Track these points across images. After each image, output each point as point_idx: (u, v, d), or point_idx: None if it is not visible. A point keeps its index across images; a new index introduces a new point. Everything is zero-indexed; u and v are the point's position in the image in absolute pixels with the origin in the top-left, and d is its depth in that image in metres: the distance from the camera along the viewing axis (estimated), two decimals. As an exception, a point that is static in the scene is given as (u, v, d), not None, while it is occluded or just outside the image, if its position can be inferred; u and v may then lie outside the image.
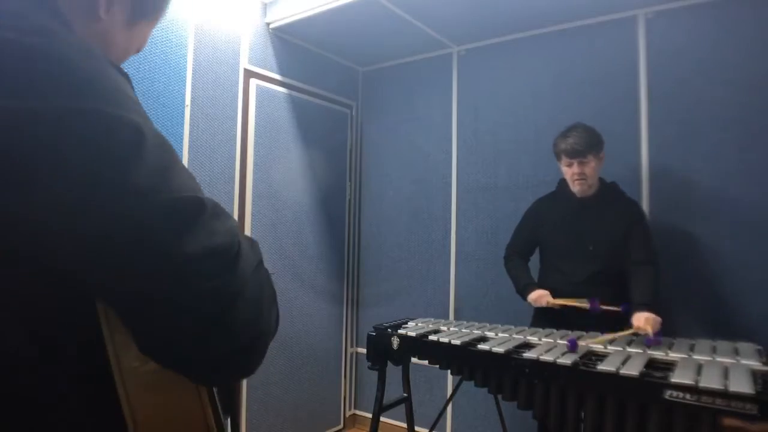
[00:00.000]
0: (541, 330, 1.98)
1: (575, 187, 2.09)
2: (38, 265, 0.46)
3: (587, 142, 2.02)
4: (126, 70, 0.58)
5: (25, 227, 0.44)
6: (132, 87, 0.56)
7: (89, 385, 0.50)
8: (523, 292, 2.17)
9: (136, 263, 0.45)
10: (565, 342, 1.70)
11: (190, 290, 0.46)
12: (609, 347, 1.67)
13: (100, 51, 0.53)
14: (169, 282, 0.46)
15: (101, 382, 0.49)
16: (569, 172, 2.08)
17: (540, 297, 2.09)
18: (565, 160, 2.08)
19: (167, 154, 0.50)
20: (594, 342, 1.72)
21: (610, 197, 2.14)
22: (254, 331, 0.51)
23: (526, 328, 2.08)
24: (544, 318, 2.16)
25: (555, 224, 2.18)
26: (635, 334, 1.79)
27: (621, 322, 1.90)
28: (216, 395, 0.57)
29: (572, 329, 1.96)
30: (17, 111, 0.43)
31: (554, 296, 2.07)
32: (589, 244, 2.09)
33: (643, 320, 1.76)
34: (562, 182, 2.22)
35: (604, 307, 1.90)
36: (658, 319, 1.77)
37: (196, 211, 0.48)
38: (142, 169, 0.45)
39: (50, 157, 0.43)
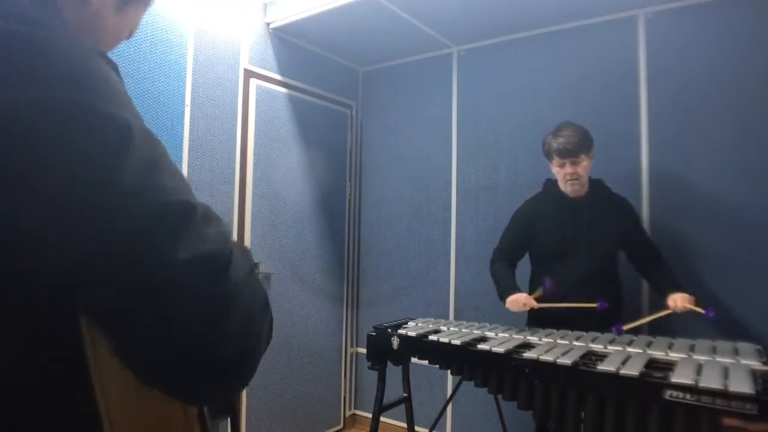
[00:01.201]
0: (541, 330, 1.98)
1: (568, 188, 2.06)
2: (19, 267, 0.42)
3: (579, 141, 1.98)
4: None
5: (6, 227, 0.41)
6: (120, 76, 0.53)
7: (67, 394, 0.47)
8: (503, 296, 2.07)
9: (123, 269, 0.42)
10: (615, 329, 1.85)
11: (180, 299, 0.43)
12: (609, 347, 1.67)
13: (88, 41, 0.51)
14: (158, 290, 0.42)
15: (79, 390, 0.45)
16: (561, 172, 2.04)
17: (517, 300, 1.99)
18: (557, 160, 2.03)
19: (157, 152, 0.47)
20: (635, 324, 1.87)
21: (601, 196, 2.13)
22: (246, 341, 0.48)
23: (526, 328, 2.08)
24: (536, 322, 2.13)
25: (548, 225, 2.14)
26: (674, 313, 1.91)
27: (615, 318, 1.96)
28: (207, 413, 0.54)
29: (573, 329, 1.96)
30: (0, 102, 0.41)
31: (549, 299, 2.02)
32: (584, 244, 2.07)
33: (678, 300, 1.87)
34: (549, 182, 2.20)
35: (581, 305, 1.93)
36: (692, 297, 1.88)
37: (187, 215, 0.45)
38: (129, 169, 0.43)
39: (35, 153, 0.41)
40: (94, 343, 0.44)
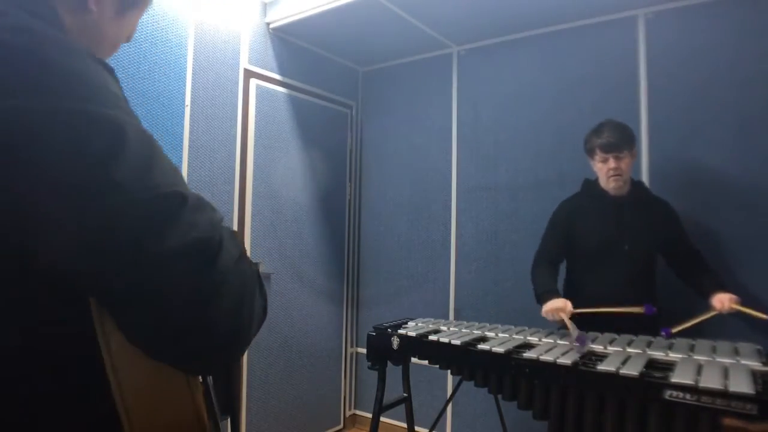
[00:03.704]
0: (541, 330, 1.98)
1: (611, 184, 2.01)
2: (26, 261, 0.47)
3: (622, 136, 1.96)
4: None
5: (11, 225, 0.45)
6: (116, 80, 0.56)
7: (81, 375, 0.51)
8: (540, 300, 1.99)
9: (118, 259, 0.46)
10: (663, 333, 1.77)
11: (172, 285, 0.47)
12: (609, 347, 1.67)
13: (83, 47, 0.53)
14: (150, 277, 0.46)
15: (92, 371, 0.50)
16: (604, 168, 2.00)
17: (554, 310, 1.87)
18: (600, 155, 1.99)
19: (149, 149, 0.50)
20: (682, 327, 1.79)
21: (642, 196, 2.08)
22: (234, 324, 0.52)
23: (526, 328, 2.07)
24: (578, 321, 1.97)
25: (589, 224, 2.08)
26: (720, 315, 1.82)
27: (645, 323, 1.89)
28: (213, 392, 0.61)
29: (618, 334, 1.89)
30: None
31: (590, 300, 1.92)
32: (624, 243, 2.01)
33: (726, 301, 1.78)
34: (588, 182, 2.15)
35: (627, 309, 1.83)
36: (738, 298, 1.79)
37: (177, 205, 0.49)
38: (123, 167, 0.46)
39: (32, 158, 0.44)
40: (102, 323, 0.49)
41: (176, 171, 0.53)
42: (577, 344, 1.66)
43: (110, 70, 0.56)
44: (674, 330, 1.78)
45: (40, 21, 0.52)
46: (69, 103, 0.46)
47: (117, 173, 0.45)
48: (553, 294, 1.96)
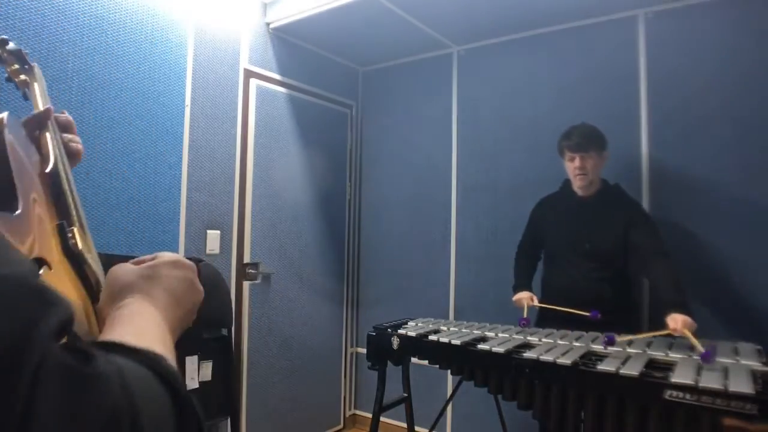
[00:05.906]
0: (541, 330, 1.98)
1: (576, 183, 2.11)
2: None
3: (589, 138, 2.05)
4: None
5: None
6: None
7: None
8: (513, 291, 2.25)
9: None
10: (607, 338, 1.69)
11: None
12: (609, 347, 1.67)
13: None
14: None
15: None
16: (571, 167, 2.10)
17: (519, 300, 2.17)
18: (567, 155, 2.10)
19: None
20: (629, 338, 1.72)
21: (611, 197, 2.13)
22: None
23: (526, 328, 2.08)
24: (544, 319, 2.18)
25: (555, 222, 2.22)
26: (671, 336, 1.71)
27: (624, 324, 1.89)
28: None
29: (572, 330, 1.96)
30: None
31: (557, 293, 2.12)
32: (586, 242, 2.10)
33: (680, 323, 1.64)
34: (566, 182, 2.23)
35: (578, 312, 1.93)
36: (694, 323, 1.65)
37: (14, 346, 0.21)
38: None
39: None
40: None
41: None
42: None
43: None
44: (619, 339, 1.70)
45: None
46: None
47: None
48: (522, 287, 2.22)
